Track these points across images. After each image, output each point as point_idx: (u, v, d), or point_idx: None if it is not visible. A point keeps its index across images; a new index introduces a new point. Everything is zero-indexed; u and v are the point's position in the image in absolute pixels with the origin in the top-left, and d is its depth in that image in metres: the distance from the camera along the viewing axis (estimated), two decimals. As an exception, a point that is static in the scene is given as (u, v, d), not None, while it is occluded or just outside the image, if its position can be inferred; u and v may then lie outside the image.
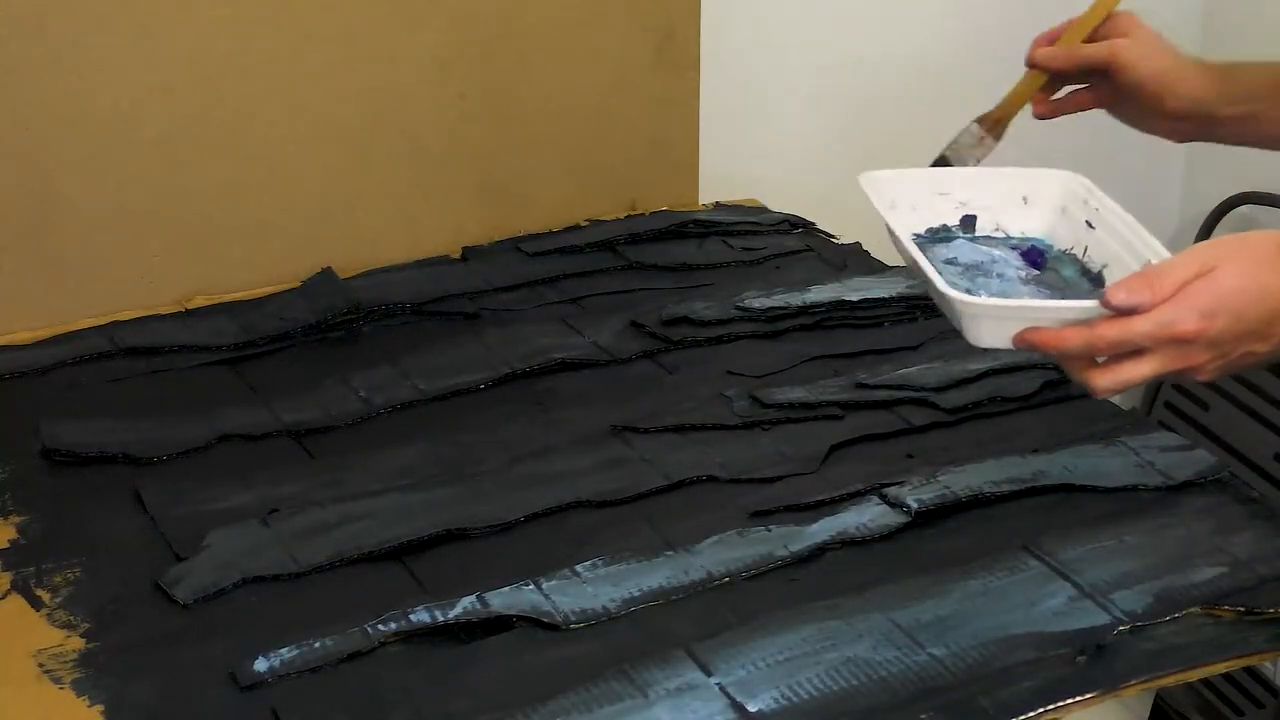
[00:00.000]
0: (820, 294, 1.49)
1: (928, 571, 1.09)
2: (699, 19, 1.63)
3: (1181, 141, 1.22)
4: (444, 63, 1.53)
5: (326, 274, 1.50)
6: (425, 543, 1.12)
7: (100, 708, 0.97)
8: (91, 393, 1.33)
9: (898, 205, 1.13)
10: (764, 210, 1.71)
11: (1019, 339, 0.97)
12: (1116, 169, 2.24)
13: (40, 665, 1.01)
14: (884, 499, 1.17)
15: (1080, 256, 1.12)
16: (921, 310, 1.47)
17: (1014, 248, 1.14)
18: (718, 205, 1.70)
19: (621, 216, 1.65)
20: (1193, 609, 1.06)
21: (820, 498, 1.17)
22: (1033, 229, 1.16)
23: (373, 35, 1.50)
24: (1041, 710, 0.97)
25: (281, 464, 1.23)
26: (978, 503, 1.17)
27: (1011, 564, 1.10)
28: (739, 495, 1.19)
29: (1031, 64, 1.21)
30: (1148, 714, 1.92)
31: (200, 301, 1.48)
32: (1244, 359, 0.97)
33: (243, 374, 1.36)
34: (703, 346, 1.41)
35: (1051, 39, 1.20)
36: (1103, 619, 1.05)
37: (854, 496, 1.18)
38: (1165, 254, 1.03)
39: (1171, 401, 2.22)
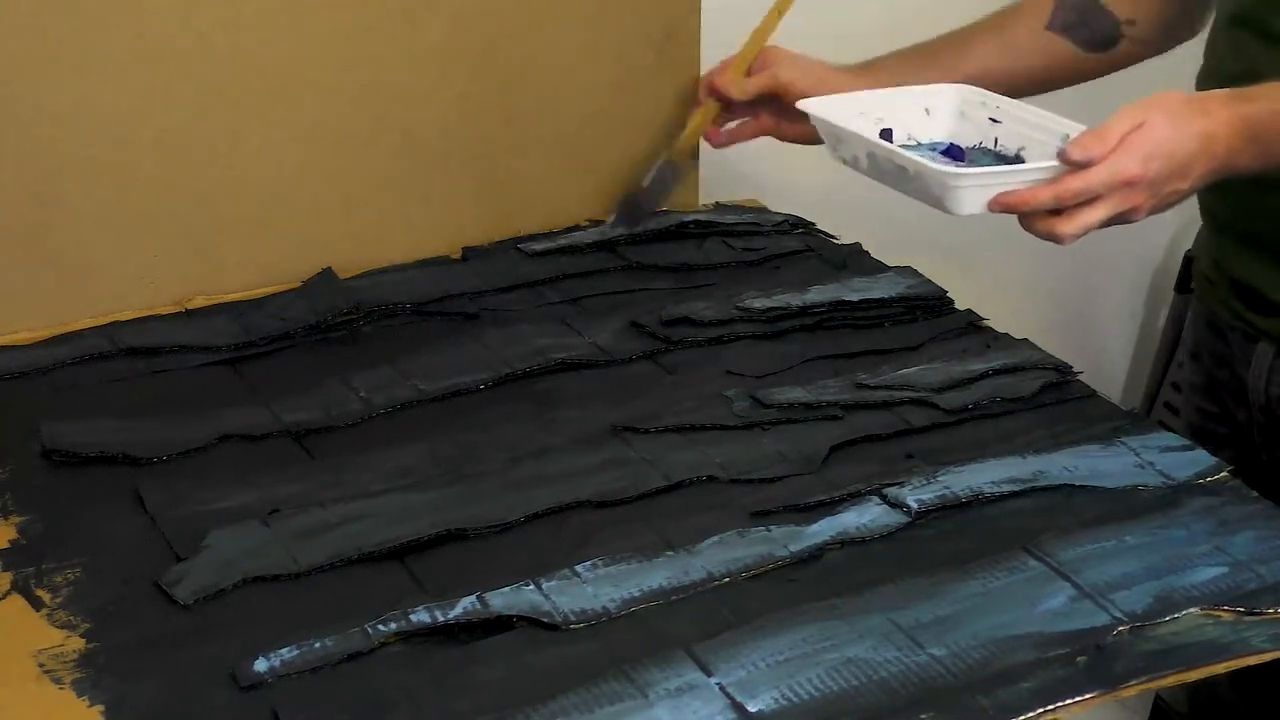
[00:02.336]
0: (820, 294, 1.49)
1: (928, 571, 1.09)
2: (699, 19, 1.63)
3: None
4: (444, 63, 1.53)
5: (326, 274, 1.50)
6: (425, 543, 1.12)
7: (100, 708, 0.97)
8: (91, 393, 1.33)
9: (840, 124, 1.30)
10: (764, 210, 1.71)
11: (996, 202, 1.16)
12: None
13: (40, 665, 1.01)
14: (884, 499, 1.17)
15: (993, 147, 1.32)
16: (921, 310, 1.47)
17: (932, 148, 1.33)
18: (718, 205, 1.70)
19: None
20: (1193, 609, 1.06)
21: (820, 498, 1.17)
22: (938, 134, 1.35)
23: (373, 35, 1.50)
24: (1041, 710, 0.97)
25: (281, 464, 1.23)
26: (978, 503, 1.17)
27: (1011, 564, 1.10)
28: (739, 495, 1.19)
29: (711, 92, 1.45)
30: (1148, 714, 1.92)
31: (200, 301, 1.48)
32: (1170, 197, 1.17)
33: (243, 374, 1.36)
34: (703, 346, 1.41)
35: (720, 70, 1.44)
36: (1103, 619, 1.05)
37: (854, 496, 1.18)
38: (1080, 126, 1.20)
39: (1171, 402, 2.22)
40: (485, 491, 1.18)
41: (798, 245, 1.62)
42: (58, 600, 1.07)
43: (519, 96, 1.58)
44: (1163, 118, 1.14)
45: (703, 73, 1.66)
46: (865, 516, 1.15)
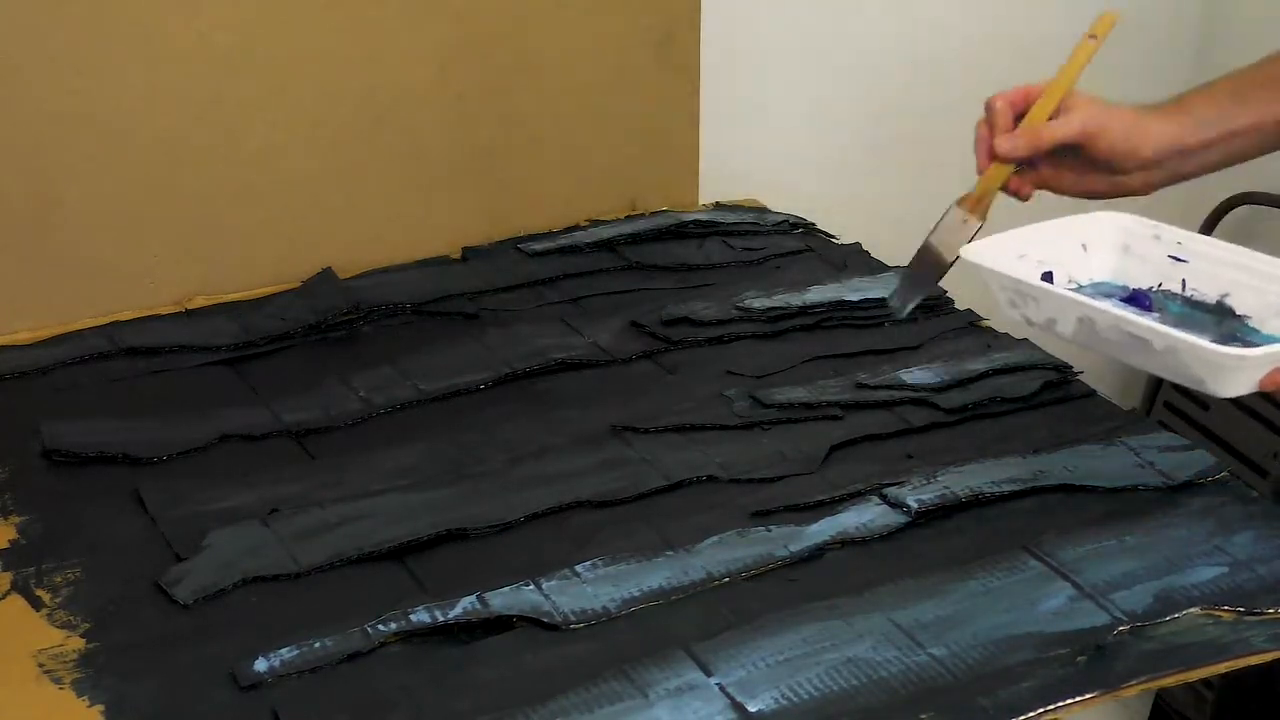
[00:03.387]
0: (820, 294, 1.49)
1: (928, 571, 1.09)
2: (699, 19, 1.63)
3: (1150, 192, 1.20)
4: (444, 63, 1.53)
5: (326, 274, 1.50)
6: (425, 543, 1.12)
7: (100, 708, 0.97)
8: (91, 393, 1.33)
9: (1028, 280, 1.10)
10: (764, 210, 1.71)
11: (1271, 381, 1.00)
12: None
13: (40, 665, 1.01)
14: (884, 499, 1.17)
15: (1180, 290, 1.13)
16: (921, 310, 1.47)
17: (1108, 295, 1.14)
18: (718, 205, 1.71)
19: (621, 216, 1.65)
20: (1193, 609, 1.06)
21: (820, 498, 1.17)
22: (1100, 273, 1.16)
23: (373, 36, 1.50)
24: (1041, 710, 0.97)
25: (281, 464, 1.23)
26: (978, 503, 1.17)
27: (1011, 564, 1.10)
28: (739, 495, 1.19)
29: (996, 158, 1.16)
30: (1148, 714, 1.93)
31: (200, 301, 1.48)
32: None
33: (243, 374, 1.36)
34: (703, 346, 1.41)
35: (1009, 121, 1.16)
36: (1103, 619, 1.05)
37: (854, 496, 1.18)
38: None
39: (1171, 401, 2.22)
40: (485, 491, 1.18)
41: (798, 245, 1.62)
42: (58, 600, 1.07)
43: (519, 96, 1.58)
44: None
45: (703, 72, 1.66)
46: (865, 516, 1.15)
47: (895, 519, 1.15)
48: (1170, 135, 1.17)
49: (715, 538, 1.13)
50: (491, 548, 1.13)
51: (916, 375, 1.34)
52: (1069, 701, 0.98)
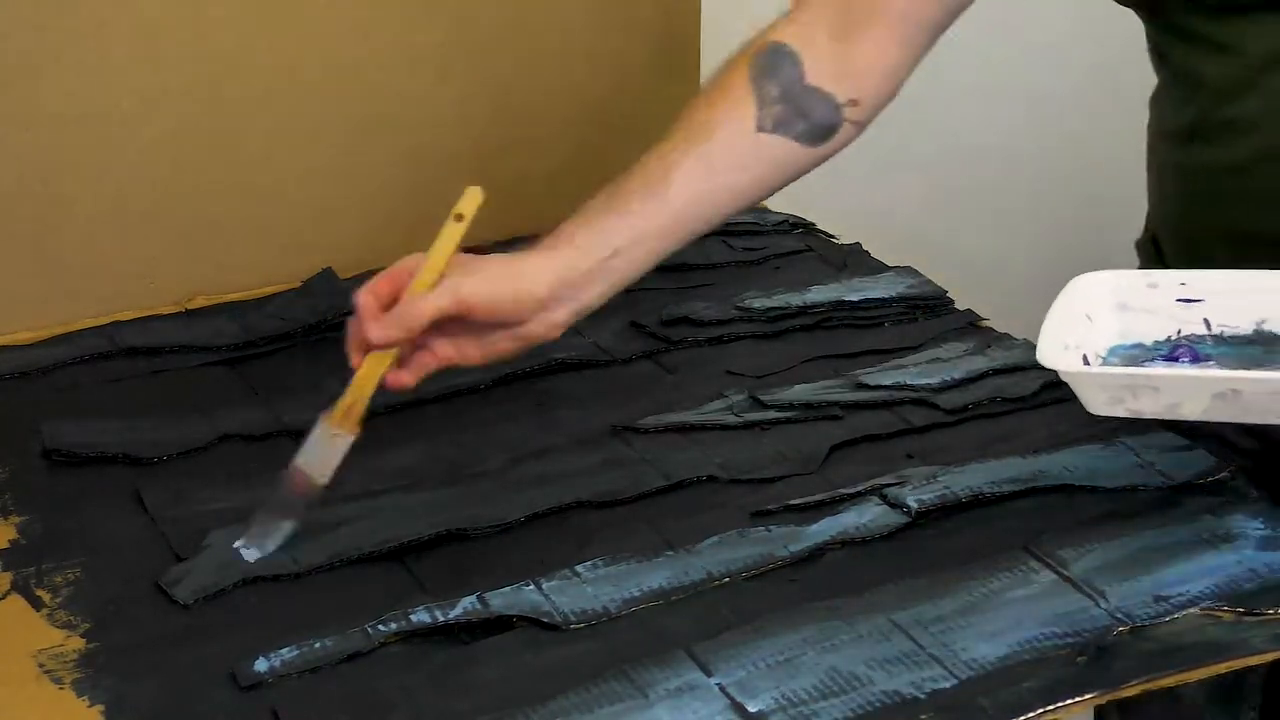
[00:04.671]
0: (820, 294, 1.49)
1: (928, 571, 1.09)
2: (699, 19, 1.63)
3: (557, 334, 1.14)
4: (444, 63, 1.53)
5: (326, 274, 1.50)
6: (425, 543, 1.12)
7: (100, 708, 0.97)
8: (91, 393, 1.33)
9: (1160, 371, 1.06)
10: (764, 210, 1.70)
11: None
12: (1113, 175, 2.24)
13: (40, 665, 1.01)
14: (884, 499, 1.17)
15: (1208, 331, 1.09)
16: (921, 310, 1.47)
17: (1139, 360, 1.09)
18: (718, 205, 1.70)
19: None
20: (1193, 609, 1.06)
21: (820, 498, 1.17)
22: (1110, 338, 1.11)
23: (373, 36, 1.50)
24: (1041, 710, 0.97)
25: (282, 464, 1.22)
26: (978, 503, 1.17)
27: (1011, 564, 1.10)
28: (739, 495, 1.19)
29: (371, 347, 1.08)
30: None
31: (200, 301, 1.48)
32: None
33: (243, 374, 1.36)
34: (703, 346, 1.41)
35: (380, 304, 1.08)
36: (1103, 619, 1.05)
37: (854, 497, 1.18)
38: None
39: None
40: (485, 491, 1.18)
41: (798, 245, 1.62)
42: (58, 600, 1.07)
43: (519, 97, 1.58)
44: None
45: (702, 73, 1.66)
46: (865, 516, 1.15)
47: (895, 519, 1.15)
48: (553, 270, 1.11)
49: (715, 538, 1.13)
50: (491, 548, 1.13)
51: (916, 375, 1.34)
52: (1069, 701, 0.98)
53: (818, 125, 1.18)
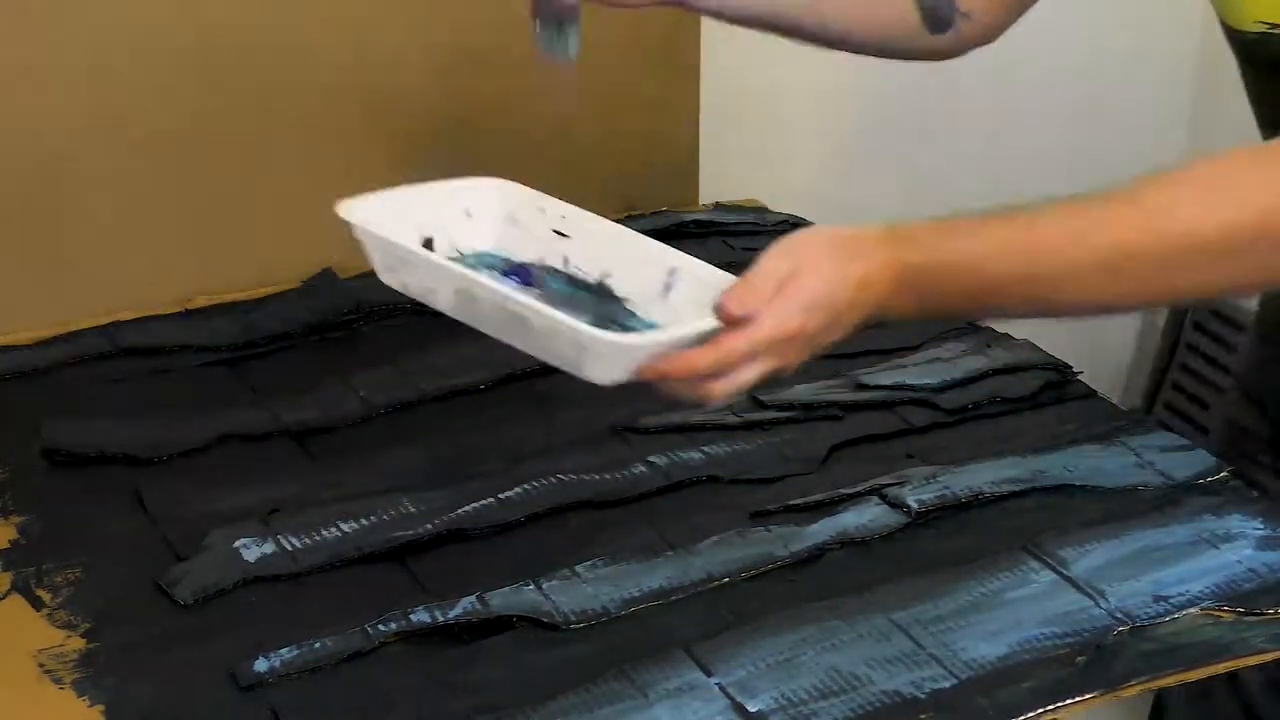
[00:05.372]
0: (820, 294, 1.48)
1: (928, 571, 1.09)
2: (699, 19, 1.63)
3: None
4: (444, 64, 1.53)
5: (326, 274, 1.50)
6: (425, 543, 1.12)
7: (100, 708, 0.97)
8: (91, 393, 1.33)
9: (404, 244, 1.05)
10: (764, 210, 1.71)
11: (651, 370, 0.98)
12: (1115, 167, 2.24)
13: (40, 665, 1.01)
14: (884, 499, 1.17)
15: (562, 267, 1.10)
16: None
17: (490, 266, 1.10)
18: (717, 205, 1.70)
19: (621, 217, 1.65)
20: (1192, 609, 1.06)
21: (820, 498, 1.17)
22: (483, 243, 1.11)
23: (373, 36, 1.50)
24: (1041, 710, 0.97)
25: (281, 464, 1.23)
26: (978, 503, 1.17)
27: (1011, 564, 1.10)
28: (739, 495, 1.19)
29: None
30: (1148, 713, 1.92)
31: (200, 301, 1.48)
32: (822, 348, 1.01)
33: (243, 374, 1.36)
34: (703, 346, 1.41)
35: None
36: (1103, 619, 1.05)
37: (854, 497, 1.18)
38: (681, 258, 1.05)
39: (1171, 402, 2.22)
40: (485, 491, 1.18)
41: (798, 245, 1.61)
42: (58, 600, 1.07)
43: (518, 97, 1.58)
44: (817, 261, 0.99)
45: (702, 72, 1.66)
46: (865, 516, 1.15)
47: (895, 519, 1.15)
48: None
49: (715, 538, 1.13)
50: (491, 548, 1.13)
51: (916, 375, 1.34)
52: (1069, 701, 0.98)
53: (938, 12, 1.26)
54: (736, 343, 0.96)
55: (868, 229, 1.03)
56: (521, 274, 1.10)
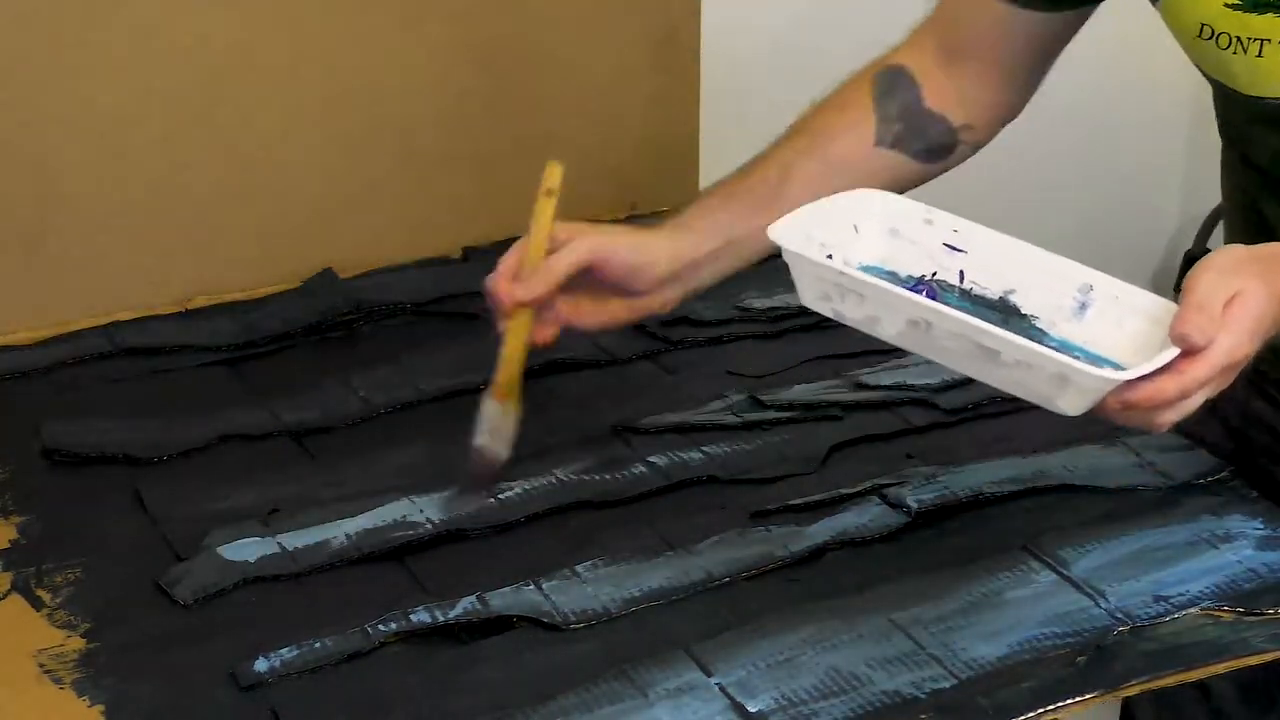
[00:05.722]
0: (820, 294, 1.49)
1: (928, 571, 1.09)
2: (699, 19, 1.63)
3: (670, 309, 1.22)
4: (444, 63, 1.53)
5: (326, 274, 1.50)
6: (425, 543, 1.12)
7: (100, 708, 0.97)
8: (91, 393, 1.33)
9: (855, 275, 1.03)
10: (764, 210, 1.71)
11: (1119, 400, 0.96)
12: (1115, 170, 2.25)
13: (40, 665, 1.01)
14: (884, 499, 1.17)
15: (958, 283, 1.08)
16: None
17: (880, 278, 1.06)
18: (717, 205, 1.70)
19: (621, 216, 1.65)
20: (1192, 609, 1.06)
21: (820, 498, 1.17)
22: (870, 256, 1.09)
23: (373, 35, 1.50)
24: (1041, 710, 0.97)
25: (281, 464, 1.23)
26: (978, 503, 1.17)
27: (1011, 564, 1.10)
28: (739, 495, 1.19)
29: (516, 305, 1.15)
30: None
31: (200, 301, 1.48)
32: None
33: (243, 374, 1.36)
34: (703, 346, 1.41)
35: (510, 275, 1.16)
36: (1103, 619, 1.05)
37: (854, 497, 1.18)
38: (1097, 275, 1.04)
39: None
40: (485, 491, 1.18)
41: (798, 245, 1.61)
42: (58, 600, 1.07)
43: (519, 96, 1.58)
44: (1255, 283, 0.99)
45: (702, 72, 1.66)
46: (865, 516, 1.15)
47: (895, 519, 1.15)
48: (675, 252, 1.19)
49: (715, 538, 1.13)
50: (491, 548, 1.13)
51: (916, 375, 1.34)
52: (1069, 702, 0.98)
53: (934, 145, 1.25)
54: (1198, 370, 0.96)
55: (1263, 246, 1.04)
56: (915, 291, 1.05)
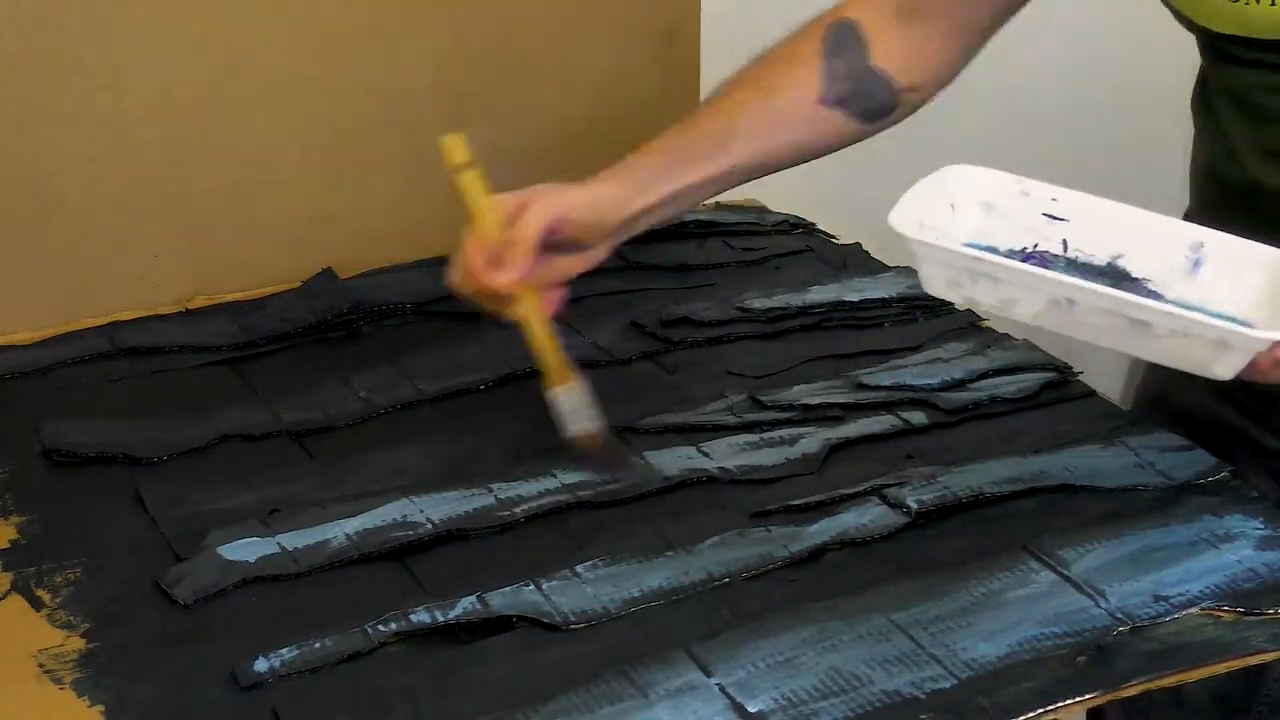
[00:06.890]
0: (820, 294, 1.49)
1: (928, 572, 1.09)
2: (699, 19, 1.63)
3: (608, 255, 1.23)
4: (444, 64, 1.53)
5: (326, 274, 1.50)
6: (425, 543, 1.12)
7: (100, 708, 0.97)
8: (91, 393, 1.33)
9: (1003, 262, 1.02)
10: (764, 210, 1.71)
11: (1270, 359, 0.96)
12: (1116, 166, 2.24)
13: (40, 665, 1.01)
14: (884, 499, 1.17)
15: (1062, 252, 1.07)
16: (921, 310, 1.47)
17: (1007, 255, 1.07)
18: (718, 205, 1.70)
19: (622, 216, 1.65)
20: (1192, 609, 1.06)
21: (820, 498, 1.17)
22: (967, 232, 1.08)
23: (373, 35, 1.50)
24: (1041, 710, 0.97)
25: (281, 464, 1.23)
26: (978, 503, 1.17)
27: (1011, 564, 1.10)
28: (739, 495, 1.19)
29: (512, 288, 1.15)
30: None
31: (200, 301, 1.48)
32: None
33: (243, 374, 1.36)
34: (703, 347, 1.41)
35: (485, 265, 1.14)
36: (1103, 619, 1.05)
37: (854, 497, 1.18)
38: (1206, 232, 1.02)
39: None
40: (485, 491, 1.18)
41: (798, 245, 1.62)
42: (58, 600, 1.07)
43: (519, 96, 1.58)
44: None
45: (702, 72, 1.66)
46: (865, 517, 1.15)
47: (895, 519, 1.15)
48: (624, 205, 1.21)
49: (715, 538, 1.13)
50: (491, 548, 1.13)
51: (916, 375, 1.34)
52: (1069, 701, 0.98)
53: (876, 105, 1.27)
54: None
55: None
56: (1038, 262, 1.05)
